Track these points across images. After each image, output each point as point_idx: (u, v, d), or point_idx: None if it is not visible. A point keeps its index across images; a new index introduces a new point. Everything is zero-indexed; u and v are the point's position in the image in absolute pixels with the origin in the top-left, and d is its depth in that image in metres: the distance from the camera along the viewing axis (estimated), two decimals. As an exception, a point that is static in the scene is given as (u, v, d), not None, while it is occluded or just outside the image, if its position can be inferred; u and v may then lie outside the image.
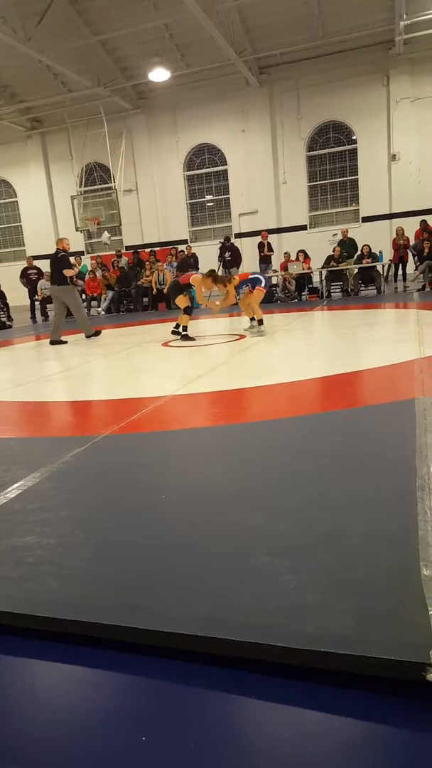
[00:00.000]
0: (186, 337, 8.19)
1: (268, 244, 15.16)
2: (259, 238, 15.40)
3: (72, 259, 9.91)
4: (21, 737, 1.36)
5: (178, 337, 8.26)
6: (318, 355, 6.22)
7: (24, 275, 15.42)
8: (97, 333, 9.55)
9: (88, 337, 9.38)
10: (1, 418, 4.62)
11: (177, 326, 8.42)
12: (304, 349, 6.84)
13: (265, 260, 14.99)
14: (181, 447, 3.38)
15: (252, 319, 8.19)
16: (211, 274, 8.36)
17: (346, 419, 3.58)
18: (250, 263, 15.40)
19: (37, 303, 15.28)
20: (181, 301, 8.38)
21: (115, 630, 1.63)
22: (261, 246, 15.13)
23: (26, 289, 15.43)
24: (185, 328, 8.34)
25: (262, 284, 8.21)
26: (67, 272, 8.97)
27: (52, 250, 9.72)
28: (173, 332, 8.43)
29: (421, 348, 5.52)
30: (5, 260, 21.29)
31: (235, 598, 1.70)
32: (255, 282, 8.19)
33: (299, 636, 1.50)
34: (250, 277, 8.36)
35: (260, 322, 8.02)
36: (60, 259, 9.03)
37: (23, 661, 1.65)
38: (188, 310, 8.44)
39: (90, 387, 5.86)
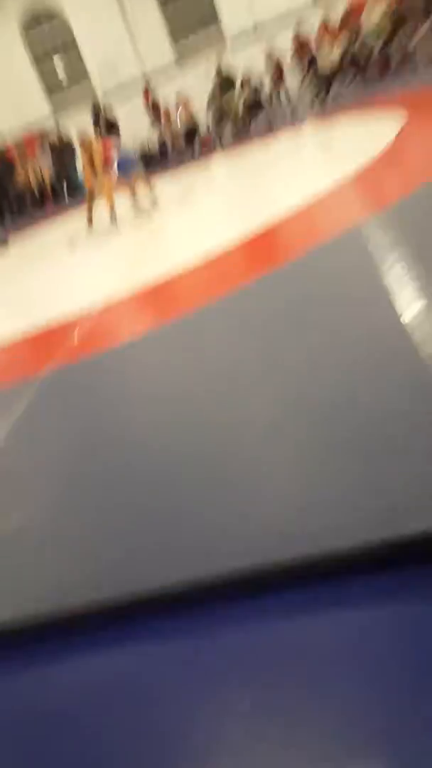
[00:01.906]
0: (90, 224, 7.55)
1: (154, 102, 13.67)
2: (134, 100, 13.94)
3: None
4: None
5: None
6: (242, 207, 5.76)
7: None
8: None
9: None
10: None
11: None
12: (224, 206, 6.35)
13: (157, 117, 13.55)
14: (146, 357, 2.98)
15: (150, 192, 7.47)
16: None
17: (306, 266, 3.26)
18: (129, 129, 13.96)
19: None
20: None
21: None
22: (148, 107, 13.68)
23: None
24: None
25: (115, 170, 7.28)
26: None
27: None
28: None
29: (342, 164, 5.15)
30: None
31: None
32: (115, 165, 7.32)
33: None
34: (112, 155, 7.44)
35: (111, 210, 7.22)
36: None
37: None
38: (91, 196, 7.70)
39: (6, 313, 5.22)
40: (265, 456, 1.77)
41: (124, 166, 7.30)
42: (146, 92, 13.80)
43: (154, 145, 12.96)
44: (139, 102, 14.02)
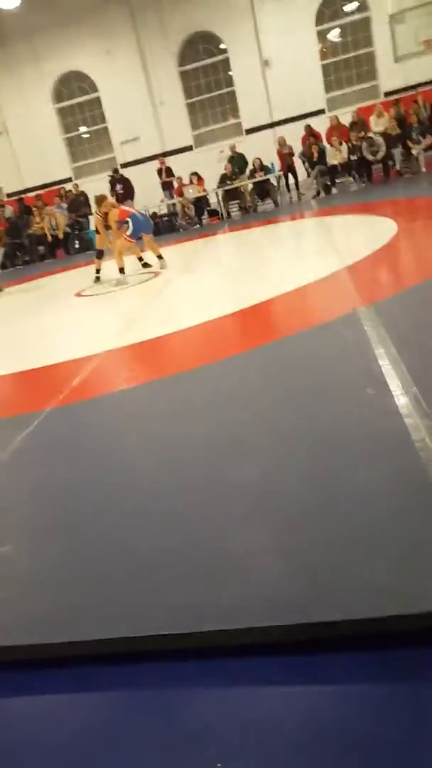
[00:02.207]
0: (98, 280, 8.06)
1: (167, 169, 14.59)
2: (149, 165, 14.86)
3: None
4: None
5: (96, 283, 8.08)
6: (242, 281, 6.13)
7: None
8: None
9: None
10: None
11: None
12: (225, 278, 6.73)
13: (167, 187, 14.44)
14: (140, 407, 3.24)
15: (159, 257, 7.91)
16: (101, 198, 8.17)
17: (297, 346, 3.54)
18: (142, 194, 14.82)
19: None
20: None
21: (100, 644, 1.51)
22: (159, 172, 14.56)
23: None
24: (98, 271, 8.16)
25: (129, 232, 7.60)
26: None
27: None
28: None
29: (341, 256, 5.52)
30: None
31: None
32: (131, 226, 7.64)
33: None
34: (128, 217, 7.74)
35: (121, 270, 7.61)
36: None
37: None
38: (100, 254, 8.19)
39: (8, 354, 5.43)
40: (247, 520, 1.83)
41: (138, 229, 7.66)
42: (161, 161, 14.72)
43: (164, 214, 13.62)
44: (153, 174, 14.87)
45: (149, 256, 8.08)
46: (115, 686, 1.42)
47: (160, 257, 7.86)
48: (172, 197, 13.93)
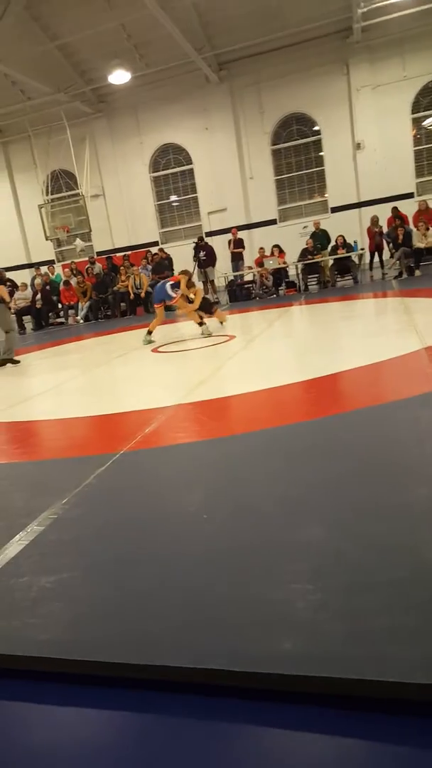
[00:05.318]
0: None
1: (236, 241, 15.09)
2: (229, 236, 15.42)
3: None
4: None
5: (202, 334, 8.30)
6: (316, 351, 6.14)
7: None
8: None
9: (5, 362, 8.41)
10: (7, 440, 4.45)
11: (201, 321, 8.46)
12: (297, 348, 6.77)
13: (235, 258, 14.93)
14: (206, 459, 3.26)
15: (149, 332, 8.60)
16: (186, 273, 8.68)
17: (370, 418, 3.49)
18: (225, 262, 15.31)
19: (12, 316, 15.02)
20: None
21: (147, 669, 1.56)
22: (229, 243, 15.09)
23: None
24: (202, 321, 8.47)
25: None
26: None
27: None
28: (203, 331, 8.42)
29: (421, 337, 5.48)
30: (-27, 274, 20.87)
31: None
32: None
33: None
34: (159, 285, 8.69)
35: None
36: None
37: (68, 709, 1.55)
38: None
39: (89, 401, 5.60)
40: (309, 577, 1.83)
41: (156, 297, 8.63)
42: (234, 231, 15.26)
43: (244, 282, 13.98)
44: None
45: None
46: (160, 711, 1.47)
47: (149, 332, 8.56)
48: (237, 269, 14.38)
